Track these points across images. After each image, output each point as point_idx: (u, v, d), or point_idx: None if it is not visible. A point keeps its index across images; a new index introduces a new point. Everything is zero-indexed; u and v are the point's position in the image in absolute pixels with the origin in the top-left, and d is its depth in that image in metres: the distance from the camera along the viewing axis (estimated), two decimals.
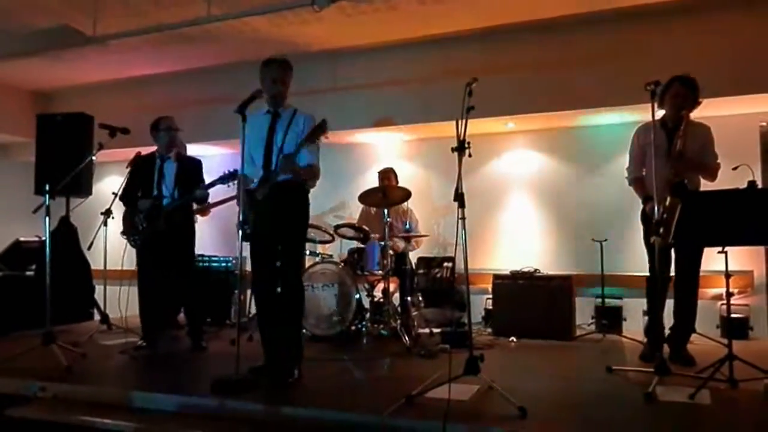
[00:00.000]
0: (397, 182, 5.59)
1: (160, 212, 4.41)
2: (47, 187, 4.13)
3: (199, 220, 4.78)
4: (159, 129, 4.58)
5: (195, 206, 4.79)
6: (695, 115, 3.87)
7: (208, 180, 4.42)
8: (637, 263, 4.66)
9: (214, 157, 6.97)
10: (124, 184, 4.71)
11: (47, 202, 4.12)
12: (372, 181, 5.79)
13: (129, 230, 4.55)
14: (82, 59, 6.32)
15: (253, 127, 3.55)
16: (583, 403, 3.11)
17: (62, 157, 5.46)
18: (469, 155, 3.13)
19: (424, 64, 5.90)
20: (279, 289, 3.54)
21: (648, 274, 3.92)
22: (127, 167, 5.03)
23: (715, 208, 3.13)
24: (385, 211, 4.90)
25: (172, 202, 4.43)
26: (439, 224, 5.82)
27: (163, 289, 4.61)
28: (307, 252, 5.33)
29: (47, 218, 4.16)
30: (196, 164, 4.70)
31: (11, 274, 5.61)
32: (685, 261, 3.86)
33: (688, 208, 3.19)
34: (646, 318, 4.63)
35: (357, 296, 4.82)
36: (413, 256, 5.76)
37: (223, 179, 3.91)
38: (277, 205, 3.47)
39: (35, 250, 5.72)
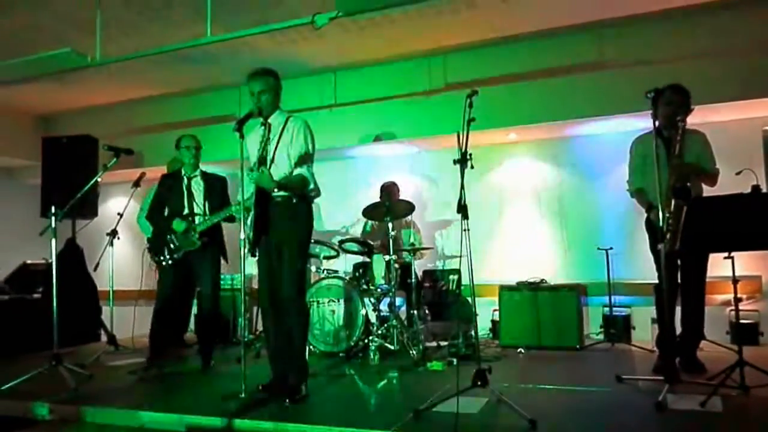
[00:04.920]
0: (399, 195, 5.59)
1: (192, 230, 4.39)
2: (53, 210, 4.15)
3: None
4: (181, 147, 4.60)
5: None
6: (691, 121, 3.87)
7: (232, 197, 4.44)
8: (644, 271, 4.63)
9: None
10: (150, 203, 4.68)
11: (54, 225, 4.14)
12: (376, 195, 5.79)
13: (159, 250, 4.47)
14: (86, 82, 6.38)
15: (254, 140, 3.59)
16: (593, 413, 3.08)
17: (68, 179, 5.52)
18: (471, 167, 3.15)
19: (425, 77, 5.93)
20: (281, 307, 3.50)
21: (656, 282, 3.89)
22: (132, 187, 5.06)
23: (719, 214, 3.12)
24: (390, 225, 4.90)
25: (206, 220, 4.41)
26: (443, 236, 5.81)
27: (178, 309, 4.61)
28: (313, 268, 5.33)
29: (54, 240, 4.17)
30: (222, 181, 4.70)
31: (18, 297, 5.63)
32: (691, 268, 3.84)
33: (692, 214, 3.18)
34: (656, 327, 4.59)
35: (363, 311, 4.81)
36: (419, 269, 5.75)
37: None
38: (273, 220, 3.45)
39: (42, 272, 5.75)
